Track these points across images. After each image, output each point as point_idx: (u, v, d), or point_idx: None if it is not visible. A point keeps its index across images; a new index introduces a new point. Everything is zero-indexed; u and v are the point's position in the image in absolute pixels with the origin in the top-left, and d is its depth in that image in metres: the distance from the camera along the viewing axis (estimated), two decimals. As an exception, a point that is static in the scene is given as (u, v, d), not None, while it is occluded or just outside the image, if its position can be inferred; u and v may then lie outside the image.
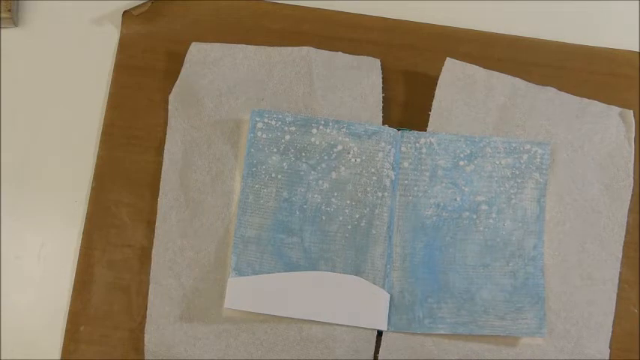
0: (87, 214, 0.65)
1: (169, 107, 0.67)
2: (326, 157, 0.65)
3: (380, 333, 0.63)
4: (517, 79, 0.68)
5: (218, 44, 0.68)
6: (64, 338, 0.63)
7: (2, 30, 0.69)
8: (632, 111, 0.68)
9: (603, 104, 0.68)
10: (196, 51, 0.67)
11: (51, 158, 0.67)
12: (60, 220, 0.66)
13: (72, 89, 0.69)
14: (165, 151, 0.66)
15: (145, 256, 0.64)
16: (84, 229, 0.65)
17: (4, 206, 0.66)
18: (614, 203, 0.66)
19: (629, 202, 0.66)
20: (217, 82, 0.67)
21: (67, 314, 0.63)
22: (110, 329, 0.63)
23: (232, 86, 0.67)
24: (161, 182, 0.65)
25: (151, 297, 0.63)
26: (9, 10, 0.68)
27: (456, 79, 0.67)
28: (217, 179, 0.65)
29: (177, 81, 0.67)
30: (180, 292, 0.63)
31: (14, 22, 0.69)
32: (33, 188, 0.66)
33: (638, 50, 0.71)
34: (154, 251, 0.64)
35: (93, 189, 0.66)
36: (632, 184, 0.67)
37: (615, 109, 0.68)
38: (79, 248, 0.65)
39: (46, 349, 0.63)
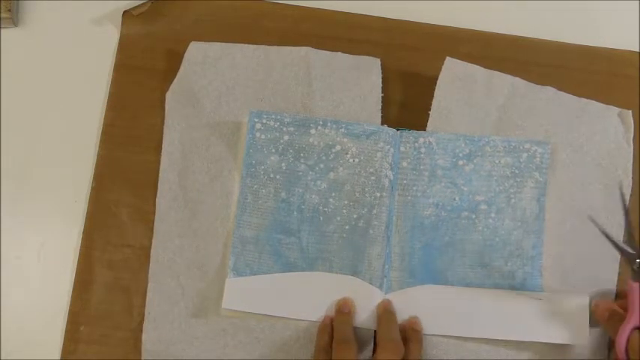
0: (87, 214, 0.65)
1: (166, 106, 0.67)
2: (324, 158, 0.65)
3: (379, 333, 0.63)
4: (517, 78, 0.68)
5: (217, 43, 0.68)
6: (64, 338, 0.63)
7: (2, 30, 0.69)
8: (630, 111, 0.68)
9: (602, 104, 0.68)
10: (195, 50, 0.67)
11: (51, 158, 0.67)
12: (60, 220, 0.66)
13: (72, 89, 0.69)
14: (162, 150, 0.66)
15: (144, 256, 0.64)
16: (84, 229, 0.65)
17: (4, 206, 0.66)
18: (613, 203, 0.66)
19: (628, 202, 0.66)
20: (216, 83, 0.67)
21: (67, 314, 0.64)
22: (110, 329, 0.63)
23: (231, 87, 0.67)
24: (159, 182, 0.65)
25: (149, 296, 0.63)
26: (9, 10, 0.68)
27: (456, 78, 0.67)
28: (216, 180, 0.65)
29: (175, 80, 0.67)
30: (178, 292, 0.63)
31: (14, 22, 0.69)
32: (33, 188, 0.67)
33: (638, 50, 0.71)
34: (152, 251, 0.64)
35: (93, 189, 0.66)
36: (631, 184, 0.67)
37: (614, 110, 0.68)
38: (79, 248, 0.65)
39: (46, 349, 0.63)
